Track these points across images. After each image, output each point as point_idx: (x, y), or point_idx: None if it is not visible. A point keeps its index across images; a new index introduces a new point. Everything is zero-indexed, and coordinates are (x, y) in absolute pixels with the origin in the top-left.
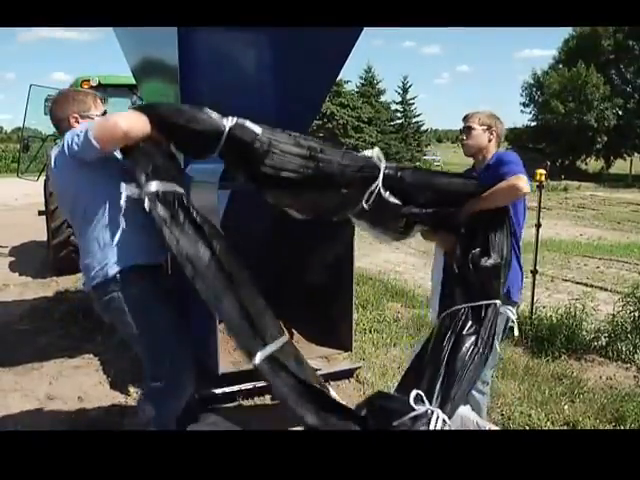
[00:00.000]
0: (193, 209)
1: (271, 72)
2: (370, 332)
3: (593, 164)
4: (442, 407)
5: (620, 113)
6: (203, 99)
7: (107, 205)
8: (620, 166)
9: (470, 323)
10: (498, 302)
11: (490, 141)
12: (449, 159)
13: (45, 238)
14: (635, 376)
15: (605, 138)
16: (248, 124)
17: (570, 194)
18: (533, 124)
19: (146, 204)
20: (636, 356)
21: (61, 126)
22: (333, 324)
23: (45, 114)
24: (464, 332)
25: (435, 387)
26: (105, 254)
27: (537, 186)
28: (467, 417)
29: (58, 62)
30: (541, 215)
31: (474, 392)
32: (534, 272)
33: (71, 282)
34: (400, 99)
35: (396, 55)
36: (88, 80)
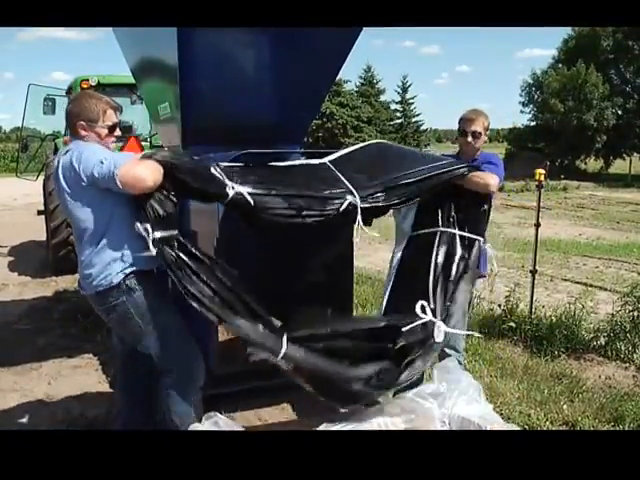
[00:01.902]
0: (192, 248)
1: (270, 72)
2: None
3: (592, 164)
4: (444, 321)
5: (619, 113)
6: (203, 99)
7: (112, 219)
8: (619, 166)
9: (461, 251)
10: (482, 240)
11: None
12: None
13: (44, 238)
14: (634, 375)
15: (604, 138)
16: (246, 195)
17: (569, 194)
18: (532, 124)
19: (152, 249)
20: (635, 355)
21: (70, 126)
22: None
23: (44, 113)
24: (456, 257)
25: (434, 302)
26: (108, 263)
27: (536, 186)
28: (467, 418)
29: (57, 62)
30: (540, 215)
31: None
32: (533, 272)
33: (70, 282)
34: (400, 99)
35: (396, 55)
36: (87, 80)
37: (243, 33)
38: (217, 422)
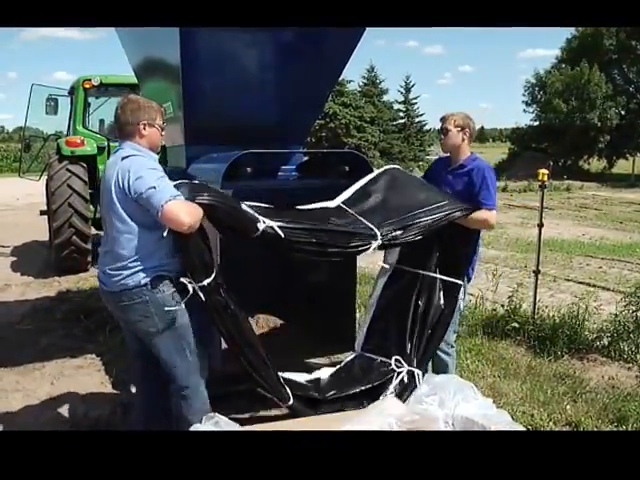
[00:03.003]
0: (228, 294)
1: (273, 72)
2: None
3: (595, 164)
4: (418, 367)
5: (623, 113)
6: (205, 99)
7: (150, 226)
8: (622, 166)
9: (440, 294)
10: (461, 283)
11: (463, 140)
12: None
13: (47, 238)
14: (637, 376)
15: (608, 138)
16: (277, 229)
17: (572, 194)
18: (535, 124)
19: (202, 296)
20: (638, 356)
21: (127, 129)
22: (335, 323)
23: (47, 114)
24: (434, 301)
25: (409, 348)
26: (139, 264)
27: (539, 186)
28: (471, 418)
29: (60, 61)
30: (543, 215)
31: (441, 354)
32: (536, 272)
33: (73, 282)
34: (403, 99)
35: (399, 55)
36: (90, 80)
37: (245, 33)
38: (218, 422)
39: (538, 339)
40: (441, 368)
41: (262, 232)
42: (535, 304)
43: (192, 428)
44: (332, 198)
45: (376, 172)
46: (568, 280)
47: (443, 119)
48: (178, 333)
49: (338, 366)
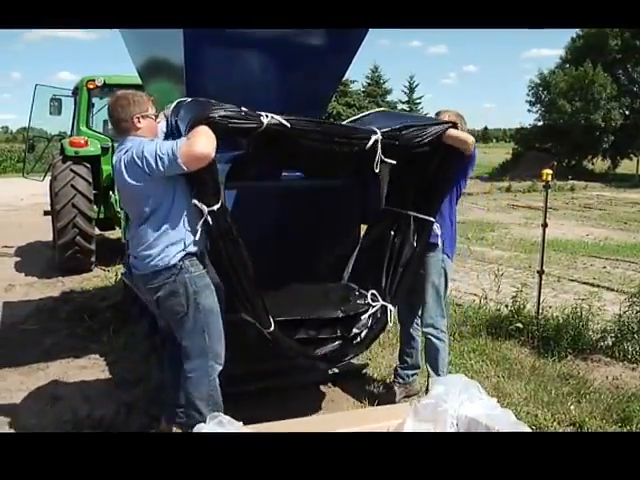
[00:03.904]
0: (232, 220)
1: (277, 72)
2: None
3: (599, 164)
4: (392, 302)
5: (627, 113)
6: (209, 99)
7: (172, 208)
8: (626, 166)
9: (413, 232)
10: (432, 220)
11: None
12: None
13: (51, 238)
14: None
15: (612, 138)
16: (282, 120)
17: (577, 194)
18: (540, 124)
19: (209, 219)
20: None
21: (122, 126)
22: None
23: (50, 114)
24: (408, 239)
25: (384, 283)
26: (167, 246)
27: (543, 186)
28: (475, 418)
29: (64, 62)
30: (547, 215)
31: (432, 339)
32: (540, 272)
33: (77, 282)
34: (407, 99)
35: (403, 55)
36: (94, 80)
37: (249, 34)
38: (221, 422)
39: (542, 339)
40: (432, 352)
41: (266, 126)
42: (539, 304)
43: (196, 429)
44: (336, 198)
45: (362, 114)
46: (572, 280)
47: (438, 113)
48: (202, 315)
49: (320, 286)
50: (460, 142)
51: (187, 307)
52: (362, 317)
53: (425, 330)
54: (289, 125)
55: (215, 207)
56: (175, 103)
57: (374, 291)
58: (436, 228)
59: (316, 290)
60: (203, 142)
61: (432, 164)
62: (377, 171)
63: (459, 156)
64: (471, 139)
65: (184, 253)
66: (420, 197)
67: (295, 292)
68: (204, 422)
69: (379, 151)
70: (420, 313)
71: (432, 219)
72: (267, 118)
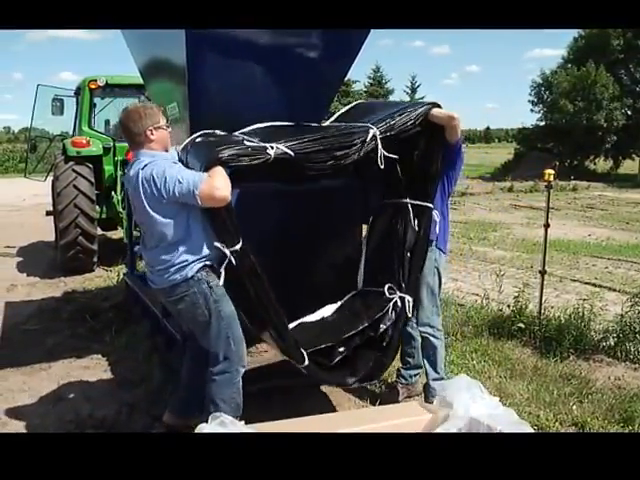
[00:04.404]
0: (255, 259)
1: (278, 73)
2: None
3: (602, 164)
4: (407, 291)
5: (629, 113)
6: (211, 100)
7: (188, 223)
8: (629, 166)
9: (413, 219)
10: (430, 206)
11: None
12: None
13: (53, 238)
14: None
15: (614, 138)
16: (286, 149)
17: (579, 194)
18: (542, 124)
19: (232, 259)
20: None
21: (136, 140)
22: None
23: (52, 114)
24: (410, 226)
25: (397, 274)
26: (184, 260)
27: (545, 186)
28: (477, 418)
29: (66, 62)
30: (549, 215)
31: (432, 339)
32: (542, 272)
33: (79, 282)
34: (409, 99)
35: (405, 55)
36: (95, 80)
37: (251, 34)
38: (223, 422)
39: (544, 340)
40: (430, 351)
41: (274, 157)
42: (541, 305)
43: (197, 429)
44: (339, 199)
45: (346, 107)
46: (574, 280)
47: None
48: (224, 322)
49: (341, 302)
50: (446, 118)
51: (210, 316)
52: (385, 314)
53: (422, 329)
54: (293, 153)
55: (237, 247)
56: (185, 143)
57: (390, 284)
58: (435, 214)
59: (335, 305)
60: (222, 185)
61: (421, 149)
62: (382, 167)
63: (446, 136)
64: (456, 115)
65: (201, 265)
66: (415, 185)
67: (315, 312)
68: None
69: (380, 146)
70: (416, 313)
71: (430, 204)
72: (273, 150)
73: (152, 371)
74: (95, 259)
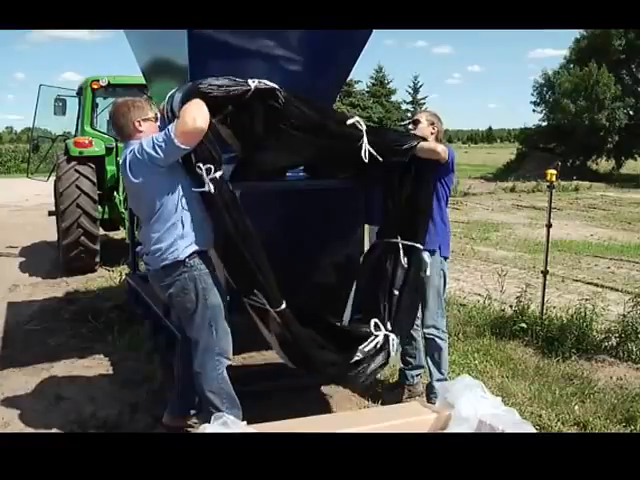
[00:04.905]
0: (233, 190)
1: (280, 73)
2: None
3: (604, 164)
4: (392, 330)
5: (631, 113)
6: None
7: (178, 204)
8: (631, 166)
9: (403, 258)
10: (420, 247)
11: (432, 134)
12: (460, 159)
13: (55, 238)
14: None
15: (616, 138)
16: (269, 83)
17: (581, 194)
18: (544, 124)
19: (211, 188)
20: None
21: (124, 131)
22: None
23: (55, 114)
24: (399, 265)
25: (382, 311)
26: (175, 240)
27: (548, 186)
28: (481, 420)
29: (68, 62)
30: (552, 215)
31: (438, 341)
32: (545, 272)
33: (81, 282)
34: (411, 99)
35: (407, 55)
36: (98, 80)
37: (253, 34)
38: (225, 422)
39: (546, 340)
40: (435, 352)
41: (255, 89)
42: (543, 305)
43: (200, 429)
44: (341, 199)
45: None
46: (576, 281)
47: (415, 113)
48: (209, 311)
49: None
50: (431, 153)
51: (197, 303)
52: (364, 344)
53: (427, 331)
54: (277, 86)
55: (217, 174)
56: (167, 97)
57: (375, 320)
58: (426, 257)
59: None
60: (195, 115)
61: (409, 186)
62: (366, 161)
63: (433, 169)
64: (440, 147)
65: (193, 249)
66: (404, 223)
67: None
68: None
69: (365, 139)
70: (420, 314)
71: (419, 245)
72: (253, 82)
73: (154, 371)
74: (97, 259)
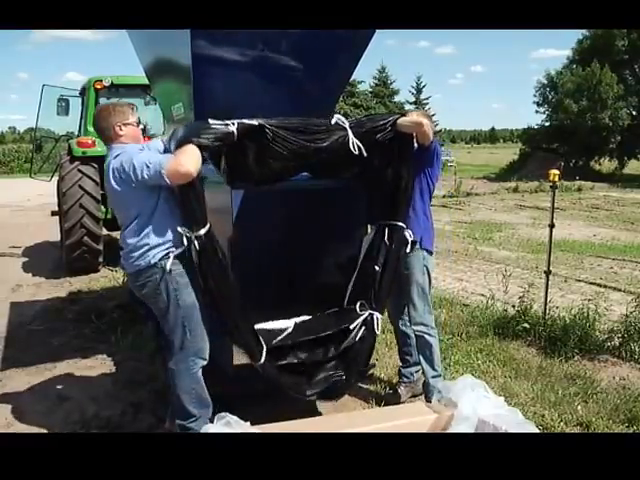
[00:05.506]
0: (219, 246)
1: (284, 73)
2: (383, 332)
3: (607, 164)
4: (377, 308)
5: (634, 113)
6: (216, 100)
7: (154, 214)
8: (633, 166)
9: (386, 238)
10: (403, 225)
11: None
12: (462, 159)
13: (58, 238)
14: None
15: (619, 138)
16: (248, 121)
17: (584, 194)
18: (547, 124)
19: (196, 244)
20: None
21: (105, 135)
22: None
23: (58, 114)
24: (383, 245)
25: (368, 291)
26: (149, 246)
27: (550, 186)
28: (482, 418)
29: (72, 62)
30: (554, 215)
31: (427, 337)
32: (547, 272)
33: (84, 282)
34: (414, 99)
35: (410, 55)
36: (101, 80)
37: (256, 34)
38: (229, 422)
39: (549, 340)
40: (426, 349)
41: (237, 129)
42: (546, 305)
43: (203, 429)
44: (343, 199)
45: None
46: (579, 281)
47: (404, 114)
48: (183, 312)
49: (317, 314)
50: (414, 125)
51: (168, 303)
52: (351, 327)
53: (415, 328)
54: (256, 122)
55: (202, 232)
56: (172, 132)
57: (362, 300)
58: (407, 235)
59: (309, 316)
60: (188, 160)
61: (390, 166)
62: (356, 152)
63: (414, 147)
64: (425, 121)
65: (164, 253)
66: (386, 203)
67: (289, 319)
68: (191, 417)
69: (350, 132)
70: (407, 312)
71: (401, 223)
72: (233, 126)
73: (157, 371)
74: (100, 259)
